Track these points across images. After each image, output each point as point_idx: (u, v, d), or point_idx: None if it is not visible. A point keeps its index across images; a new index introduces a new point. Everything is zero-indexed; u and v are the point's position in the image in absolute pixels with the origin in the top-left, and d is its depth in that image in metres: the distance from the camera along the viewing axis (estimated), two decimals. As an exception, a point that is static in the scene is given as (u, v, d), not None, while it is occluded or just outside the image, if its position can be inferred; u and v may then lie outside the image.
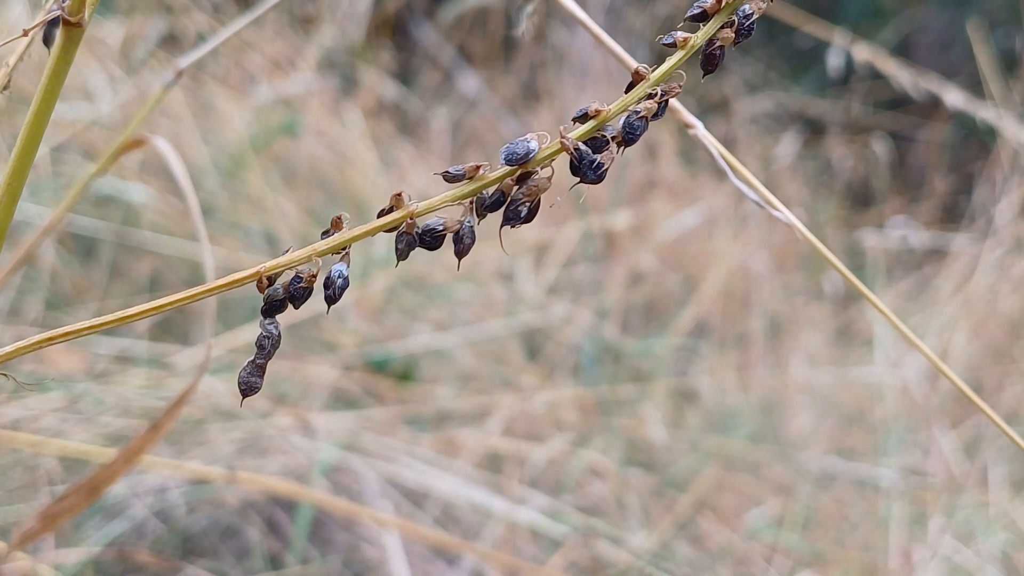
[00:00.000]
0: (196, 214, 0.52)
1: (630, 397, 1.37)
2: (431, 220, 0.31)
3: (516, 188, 0.31)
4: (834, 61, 1.24)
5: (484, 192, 0.31)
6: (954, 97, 1.23)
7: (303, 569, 0.99)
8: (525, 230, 1.53)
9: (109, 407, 0.98)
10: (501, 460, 1.16)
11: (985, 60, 1.60)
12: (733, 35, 0.31)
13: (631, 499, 1.16)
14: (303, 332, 1.27)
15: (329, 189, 1.61)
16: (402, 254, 0.31)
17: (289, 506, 1.04)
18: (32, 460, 0.92)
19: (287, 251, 0.31)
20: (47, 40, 0.34)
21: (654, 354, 1.49)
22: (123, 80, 1.44)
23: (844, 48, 1.25)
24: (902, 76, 1.21)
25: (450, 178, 0.31)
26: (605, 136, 0.31)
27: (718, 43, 0.31)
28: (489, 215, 0.31)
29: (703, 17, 0.31)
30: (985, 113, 1.29)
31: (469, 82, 2.18)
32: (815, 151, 2.28)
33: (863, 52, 1.19)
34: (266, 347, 0.31)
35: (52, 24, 0.33)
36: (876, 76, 1.27)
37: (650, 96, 0.31)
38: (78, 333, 0.31)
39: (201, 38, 1.58)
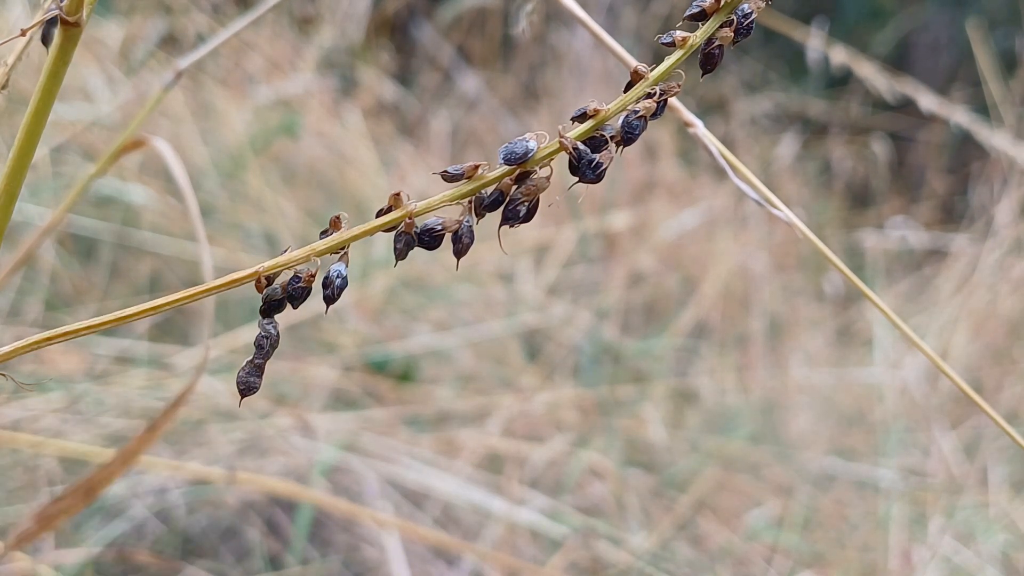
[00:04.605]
0: (195, 215, 0.52)
1: (630, 398, 1.37)
2: (430, 220, 0.31)
3: (515, 188, 0.31)
4: (813, 56, 1.25)
5: (483, 192, 0.31)
6: (928, 101, 1.22)
7: (303, 570, 0.99)
8: (524, 230, 1.53)
9: (109, 407, 0.98)
10: (501, 460, 1.16)
11: (984, 60, 1.60)
12: (732, 34, 0.31)
13: (631, 499, 1.16)
14: (303, 332, 1.27)
15: (329, 189, 1.61)
16: (401, 254, 0.31)
17: (289, 506, 1.04)
18: (32, 460, 0.92)
19: (286, 251, 0.31)
20: (45, 40, 0.34)
21: (654, 354, 1.49)
22: (122, 81, 1.44)
23: (820, 50, 1.25)
24: (878, 79, 1.21)
25: (449, 178, 0.31)
26: (604, 136, 0.31)
27: (717, 42, 0.31)
28: (488, 215, 0.31)
29: (702, 16, 0.31)
30: (960, 118, 1.29)
31: (468, 82, 2.18)
32: (815, 151, 2.28)
33: (841, 55, 1.19)
34: (265, 347, 0.31)
35: (50, 24, 0.33)
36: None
37: (649, 95, 0.31)
38: (77, 333, 0.30)
39: (201, 39, 1.58)
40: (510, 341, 1.40)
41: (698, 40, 0.31)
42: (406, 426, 1.17)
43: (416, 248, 0.31)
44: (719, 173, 1.89)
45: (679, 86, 0.31)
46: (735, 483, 1.30)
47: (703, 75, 0.32)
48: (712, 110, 2.20)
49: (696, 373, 1.55)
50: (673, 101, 0.36)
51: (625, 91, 0.31)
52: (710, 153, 0.43)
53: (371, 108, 1.90)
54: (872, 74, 1.21)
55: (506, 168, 0.31)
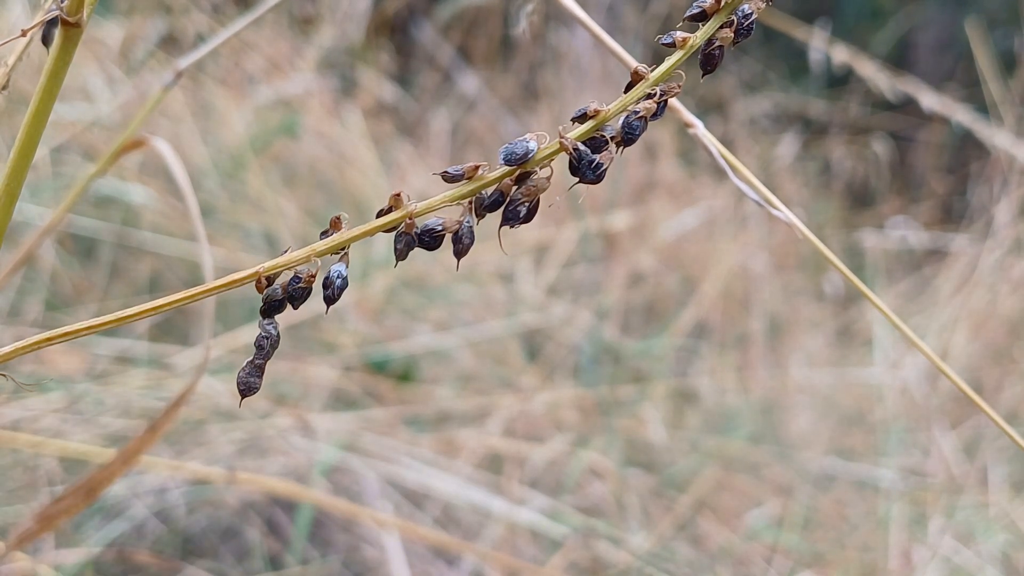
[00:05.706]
0: (195, 215, 0.52)
1: (630, 398, 1.37)
2: (430, 220, 0.31)
3: (515, 188, 0.31)
4: (816, 56, 1.25)
5: (483, 192, 0.31)
6: (930, 100, 1.22)
7: (303, 570, 0.99)
8: (524, 230, 1.53)
9: (109, 408, 0.98)
10: (501, 460, 1.16)
11: (984, 60, 1.60)
12: (732, 35, 0.31)
13: (631, 499, 1.16)
14: (303, 333, 1.27)
15: (329, 189, 1.61)
16: (401, 254, 0.31)
17: (289, 506, 1.04)
18: (32, 460, 0.92)
19: (286, 251, 0.31)
20: (46, 40, 0.34)
21: (654, 354, 1.49)
22: (123, 81, 1.44)
23: (822, 50, 1.25)
24: (879, 78, 1.21)
25: (449, 178, 0.31)
26: (604, 136, 0.31)
27: (717, 43, 0.31)
28: (488, 215, 0.31)
29: (702, 17, 0.31)
30: (962, 116, 1.29)
31: (468, 82, 2.18)
32: (815, 152, 2.28)
33: (842, 54, 1.19)
34: (265, 347, 0.31)
35: (51, 24, 0.33)
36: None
37: (649, 96, 0.31)
38: (78, 333, 0.31)
39: (201, 39, 1.58)
40: (510, 341, 1.40)
41: (698, 41, 0.31)
42: (406, 426, 1.17)
43: (416, 248, 0.31)
44: (719, 173, 1.89)
45: (679, 86, 0.31)
46: (735, 483, 1.30)
47: (703, 75, 0.32)
48: (712, 110, 2.20)
49: (696, 373, 1.55)
50: (673, 101, 0.36)
51: (625, 91, 0.31)
52: (710, 153, 0.43)
53: (371, 108, 1.90)
54: (873, 73, 1.21)
55: (506, 168, 0.31)
